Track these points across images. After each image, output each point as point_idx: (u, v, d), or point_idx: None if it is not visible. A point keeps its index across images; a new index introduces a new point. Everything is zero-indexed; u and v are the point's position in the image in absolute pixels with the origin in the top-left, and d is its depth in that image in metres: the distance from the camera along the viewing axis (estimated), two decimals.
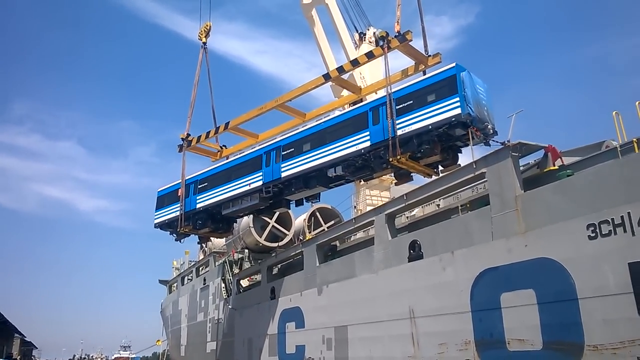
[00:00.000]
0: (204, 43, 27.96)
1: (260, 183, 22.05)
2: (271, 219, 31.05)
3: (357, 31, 34.80)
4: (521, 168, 15.00)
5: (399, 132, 16.89)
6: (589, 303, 11.73)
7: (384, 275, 18.09)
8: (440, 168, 18.20)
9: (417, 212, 19.77)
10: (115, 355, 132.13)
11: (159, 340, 47.57)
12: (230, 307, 29.57)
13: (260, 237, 30.90)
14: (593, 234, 11.87)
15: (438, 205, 18.67)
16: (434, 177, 18.00)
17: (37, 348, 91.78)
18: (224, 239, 35.12)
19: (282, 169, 21.19)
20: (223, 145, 26.38)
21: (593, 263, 11.75)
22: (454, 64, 16.50)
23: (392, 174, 19.68)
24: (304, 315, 22.34)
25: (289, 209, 25.01)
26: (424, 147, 16.67)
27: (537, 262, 12.95)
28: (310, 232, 29.80)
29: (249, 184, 22.54)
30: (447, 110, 15.86)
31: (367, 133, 18.19)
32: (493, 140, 15.83)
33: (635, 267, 10.98)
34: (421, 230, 17.35)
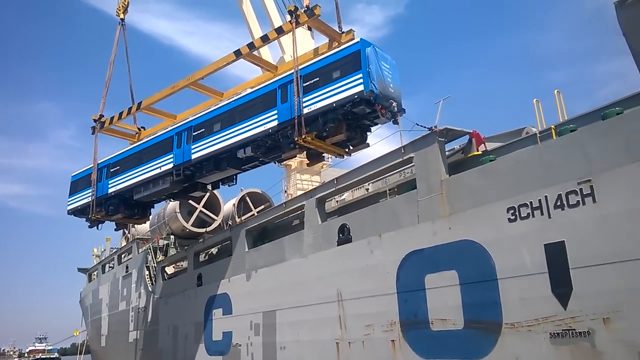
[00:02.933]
0: (122, 19, 26.37)
1: (170, 166, 20.95)
2: (198, 203, 30.13)
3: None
4: (447, 153, 15.33)
5: (306, 111, 16.34)
6: (508, 283, 12.21)
7: (313, 259, 18.01)
8: (351, 148, 17.89)
9: (347, 196, 19.82)
10: (30, 348, 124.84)
11: (76, 331, 45.27)
12: (154, 295, 28.50)
13: (187, 222, 29.89)
14: (513, 217, 12.33)
15: (367, 189, 18.78)
16: (346, 157, 17.92)
17: None
18: (148, 225, 33.78)
19: (193, 151, 20.18)
20: (142, 127, 25.14)
21: (512, 245, 12.22)
22: (358, 39, 16.11)
23: (305, 155, 19.39)
24: (232, 302, 21.91)
25: (205, 193, 24.11)
26: (329, 126, 16.25)
27: (460, 244, 13.32)
28: (239, 217, 29.22)
29: (160, 167, 21.38)
30: (350, 87, 15.41)
31: (275, 112, 17.50)
32: (421, 126, 15.69)
33: (550, 248, 11.52)
34: (350, 214, 17.40)
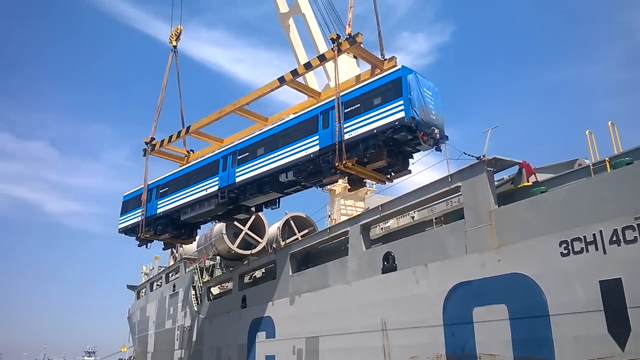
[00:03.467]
0: (175, 46, 27.59)
1: (216, 188, 21.49)
2: (244, 225, 30.69)
3: None
4: (495, 183, 15.11)
5: (347, 137, 16.44)
6: (560, 319, 11.82)
7: (357, 286, 17.96)
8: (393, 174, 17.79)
9: (392, 223, 19.73)
10: None
11: (124, 347, 46.49)
12: (199, 315, 29.00)
13: (233, 244, 30.47)
14: (565, 251, 11.99)
15: (413, 217, 18.67)
16: (391, 184, 17.92)
17: None
18: (195, 245, 34.60)
19: (237, 174, 20.63)
20: (191, 150, 26.02)
21: (565, 280, 11.86)
22: (400, 66, 16.16)
23: (346, 180, 19.40)
24: (275, 325, 22.02)
25: (249, 215, 24.52)
26: (370, 152, 16.26)
27: (510, 277, 13.01)
28: (284, 241, 29.51)
29: (206, 189, 21.96)
30: (392, 114, 15.46)
31: (317, 137, 17.69)
32: (469, 155, 15.58)
33: (606, 285, 11.11)
34: (396, 242, 17.30)
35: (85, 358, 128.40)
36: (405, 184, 18.75)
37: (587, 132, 13.18)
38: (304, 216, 31.78)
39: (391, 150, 16.65)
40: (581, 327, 11.42)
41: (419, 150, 16.97)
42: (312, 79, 29.77)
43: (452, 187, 15.53)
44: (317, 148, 17.57)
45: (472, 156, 14.87)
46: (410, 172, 17.86)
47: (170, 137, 24.75)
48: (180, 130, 24.33)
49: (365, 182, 19.33)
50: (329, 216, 29.35)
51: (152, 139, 25.56)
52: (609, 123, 12.58)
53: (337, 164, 16.43)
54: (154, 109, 26.77)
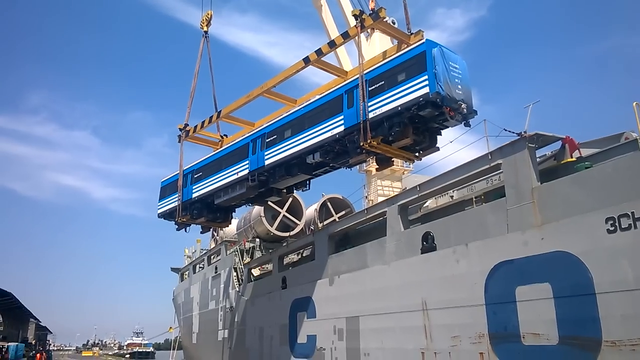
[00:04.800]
0: (206, 32, 27.68)
1: (246, 172, 21.66)
2: (282, 208, 31.03)
3: None
4: (538, 159, 14.69)
5: (371, 115, 16.12)
6: (607, 298, 11.51)
7: (396, 267, 17.94)
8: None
9: (431, 203, 19.53)
10: (129, 341, 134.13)
11: (171, 327, 48.05)
12: (241, 295, 29.67)
13: (272, 226, 30.89)
14: (612, 228, 11.61)
15: (452, 196, 18.41)
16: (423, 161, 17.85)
17: (51, 333, 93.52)
18: (235, 227, 35.27)
19: (266, 157, 20.71)
20: (224, 135, 26.31)
21: (612, 257, 11.52)
22: (424, 40, 15.65)
23: (374, 160, 19.11)
24: (316, 306, 22.31)
25: (280, 197, 24.59)
26: (395, 130, 15.90)
27: (554, 255, 12.72)
28: (321, 222, 29.70)
29: (237, 173, 22.18)
30: (416, 89, 15.02)
31: (342, 117, 17.45)
32: (509, 131, 15.08)
33: None
34: (434, 222, 17.14)
35: (134, 338, 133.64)
36: (444, 163, 18.47)
37: (634, 104, 12.58)
38: (341, 198, 31.84)
39: (417, 128, 16.28)
40: (630, 305, 11.10)
41: (447, 127, 16.57)
42: (346, 59, 29.52)
43: (492, 164, 15.20)
44: (342, 128, 17.40)
45: (513, 132, 14.50)
46: (438, 149, 17.49)
47: (203, 122, 25.12)
48: (212, 116, 24.66)
49: (392, 161, 19.10)
50: (366, 197, 29.28)
51: (186, 125, 25.98)
52: None
53: (362, 144, 16.23)
54: (199, 97, 27.14)
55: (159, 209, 27.51)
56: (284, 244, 28.91)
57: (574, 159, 14.10)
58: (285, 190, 22.98)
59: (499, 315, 13.93)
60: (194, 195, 24.80)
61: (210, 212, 25.18)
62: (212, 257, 37.10)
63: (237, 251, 31.45)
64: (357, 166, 29.72)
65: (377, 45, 28.36)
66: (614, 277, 11.44)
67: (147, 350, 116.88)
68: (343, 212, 30.72)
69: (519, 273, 13.52)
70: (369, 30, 34.00)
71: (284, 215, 31.23)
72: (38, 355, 33.27)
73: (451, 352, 15.24)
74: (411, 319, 16.78)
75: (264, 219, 30.82)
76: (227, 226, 29.78)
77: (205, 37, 27.77)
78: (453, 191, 18.23)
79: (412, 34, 17.15)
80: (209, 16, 28.06)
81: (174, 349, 46.97)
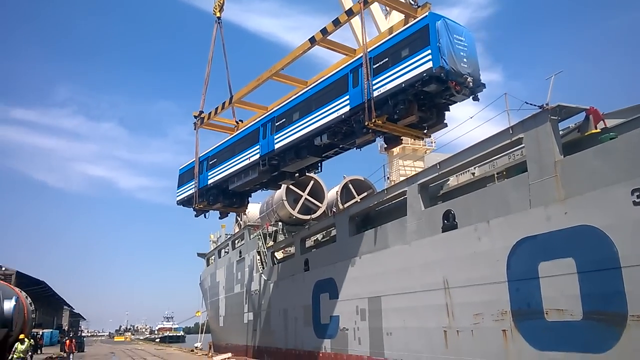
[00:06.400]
0: (219, 18, 27.55)
1: (257, 156, 21.62)
2: (303, 191, 31.09)
3: None
4: (560, 132, 14.24)
5: (376, 94, 15.76)
6: (633, 271, 11.16)
7: (417, 246, 17.79)
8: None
9: (452, 181, 19.23)
10: (159, 326, 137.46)
11: (198, 312, 49.03)
12: (265, 278, 29.96)
13: (294, 209, 31.01)
14: (638, 200, 11.21)
15: (473, 173, 18.09)
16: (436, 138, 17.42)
17: (85, 319, 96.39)
18: (258, 212, 35.54)
19: (275, 141, 20.58)
20: (240, 120, 26.31)
21: (638, 230, 11.13)
22: (427, 13, 15.14)
23: (382, 139, 18.73)
24: (338, 286, 22.37)
25: (293, 181, 24.51)
26: (399, 107, 15.52)
27: (578, 230, 12.38)
28: (343, 204, 29.66)
29: (249, 158, 22.16)
30: (419, 65, 14.59)
31: (347, 97, 17.11)
32: (530, 104, 14.50)
33: None
34: (455, 200, 16.88)
35: (164, 323, 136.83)
36: (466, 139, 18.12)
37: None
38: (363, 179, 31.73)
39: (424, 104, 15.91)
40: None
41: (454, 102, 16.14)
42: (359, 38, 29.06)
43: (513, 139, 14.81)
44: (348, 108, 17.13)
45: (534, 105, 14.05)
46: (446, 125, 17.12)
47: (216, 109, 25.19)
48: (225, 102, 24.71)
49: (401, 140, 18.79)
50: (387, 177, 29.07)
51: (201, 112, 26.11)
52: None
53: (366, 123, 15.96)
54: (214, 84, 27.14)
55: (177, 196, 27.91)
56: (306, 227, 28.99)
57: (598, 130, 13.63)
58: (297, 174, 22.92)
59: (522, 292, 13.68)
60: (209, 182, 25.01)
61: (226, 197, 25.38)
62: (236, 241, 37.54)
63: (260, 235, 31.71)
64: (379, 147, 29.51)
65: (395, 22, 27.84)
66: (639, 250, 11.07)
67: (178, 334, 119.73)
68: (365, 194, 30.63)
69: (542, 249, 13.22)
70: (387, 8, 33.64)
71: (305, 199, 31.33)
72: (67, 341, 34.11)
73: (473, 330, 15.09)
74: (433, 298, 16.65)
75: (285, 203, 30.96)
76: (244, 211, 30.01)
77: (219, 22, 27.66)
78: (474, 168, 17.91)
79: (418, 7, 16.63)
80: (222, 2, 27.91)
81: (202, 333, 47.96)
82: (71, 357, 32.14)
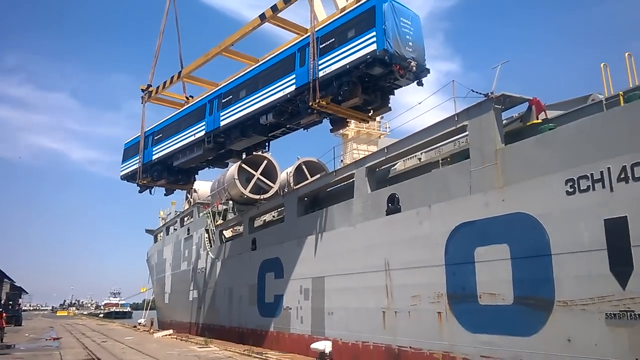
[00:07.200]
0: None
1: (203, 133, 21.19)
2: (255, 171, 30.67)
3: None
4: (504, 121, 14.50)
5: (321, 74, 15.68)
6: (562, 259, 11.53)
7: (362, 228, 17.88)
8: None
9: (399, 166, 19.37)
10: (106, 302, 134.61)
11: (143, 288, 48.15)
12: (212, 257, 29.58)
13: (245, 189, 30.56)
14: (571, 190, 11.54)
15: (419, 159, 18.26)
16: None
17: (27, 293, 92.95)
18: (209, 190, 34.91)
19: (221, 118, 20.21)
20: (190, 96, 25.79)
21: (569, 219, 11.47)
22: None
23: (329, 121, 18.70)
24: (284, 266, 22.32)
25: (240, 159, 24.40)
26: (344, 89, 15.49)
27: (513, 217, 12.68)
28: (295, 185, 29.47)
29: (194, 134, 21.73)
30: (364, 47, 14.58)
31: (294, 76, 16.96)
32: (476, 92, 14.65)
33: (610, 224, 10.71)
34: (400, 184, 17.01)
35: (111, 299, 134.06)
36: (419, 125, 18.19)
37: (601, 64, 12.37)
38: (316, 161, 31.49)
39: (368, 87, 15.86)
40: (583, 266, 11.13)
41: (399, 86, 16.22)
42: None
43: (458, 126, 14.97)
44: (293, 88, 16.93)
45: (480, 94, 14.21)
46: (390, 109, 17.23)
47: (165, 83, 24.53)
48: (173, 76, 24.12)
49: (347, 122, 18.78)
50: (341, 160, 29.06)
51: (149, 85, 25.43)
52: (626, 54, 11.74)
53: (310, 104, 15.83)
54: (173, 59, 26.36)
55: (121, 170, 27.30)
56: (257, 207, 28.70)
57: (539, 120, 13.92)
58: (244, 152, 22.58)
59: (458, 276, 13.97)
60: (154, 157, 24.43)
61: (172, 174, 24.90)
62: (185, 219, 36.88)
63: (210, 213, 31.20)
64: (334, 129, 29.39)
65: (349, 2, 27.65)
66: (569, 238, 11.43)
67: (125, 310, 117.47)
68: (318, 176, 30.52)
69: (479, 234, 13.50)
70: None
71: (258, 178, 30.88)
72: None
73: (410, 312, 15.35)
74: (374, 279, 16.82)
75: (237, 182, 30.41)
76: (190, 188, 29.59)
77: None
78: (421, 154, 18.06)
79: None
80: None
81: (146, 309, 47.12)
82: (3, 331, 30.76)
